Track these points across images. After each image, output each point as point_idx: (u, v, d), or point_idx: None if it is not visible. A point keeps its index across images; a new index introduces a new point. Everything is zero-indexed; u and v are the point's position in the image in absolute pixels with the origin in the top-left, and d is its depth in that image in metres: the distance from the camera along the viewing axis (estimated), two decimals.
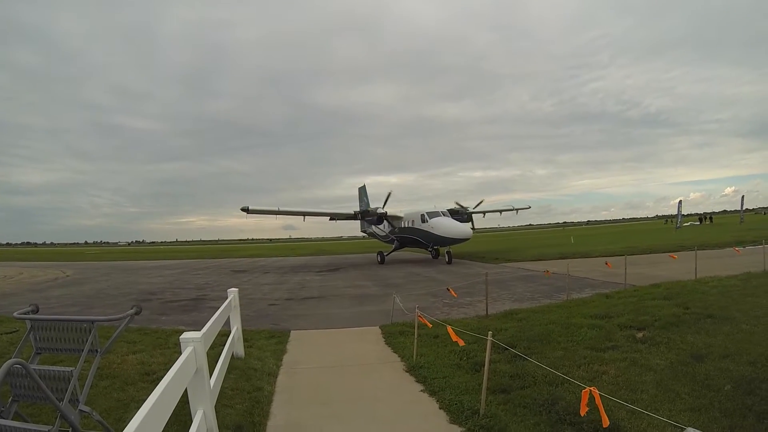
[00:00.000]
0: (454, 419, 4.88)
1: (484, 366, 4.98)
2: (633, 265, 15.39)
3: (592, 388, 3.48)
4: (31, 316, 4.18)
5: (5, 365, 2.89)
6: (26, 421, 3.78)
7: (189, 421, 3.71)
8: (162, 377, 6.76)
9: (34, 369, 3.44)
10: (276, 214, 29.01)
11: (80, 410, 3.66)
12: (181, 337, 3.78)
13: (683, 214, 60.83)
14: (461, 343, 6.26)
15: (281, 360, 7.57)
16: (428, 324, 7.23)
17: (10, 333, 9.69)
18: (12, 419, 3.65)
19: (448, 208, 31.44)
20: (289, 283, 20.76)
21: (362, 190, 40.75)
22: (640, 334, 7.47)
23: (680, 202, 57.05)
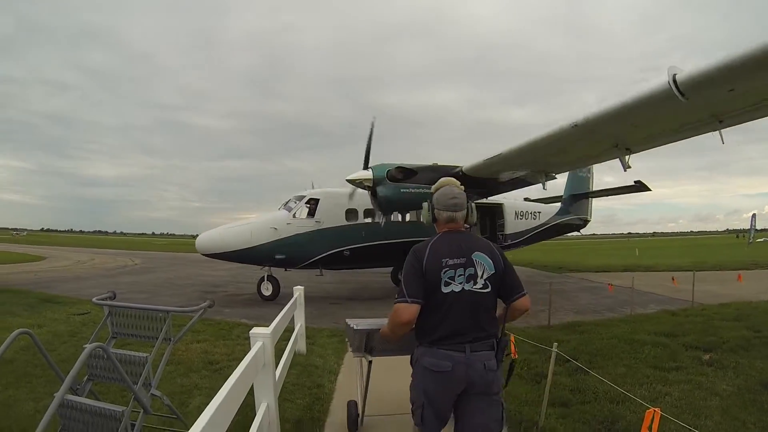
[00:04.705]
0: (513, 430, 4.87)
1: (545, 377, 5.02)
2: (701, 281, 14.68)
3: (656, 409, 3.47)
4: (110, 302, 4.46)
5: (88, 348, 3.19)
6: (98, 400, 4.03)
7: (248, 411, 3.82)
8: (224, 367, 7.25)
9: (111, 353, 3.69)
10: None
11: (152, 394, 3.91)
12: (251, 332, 3.95)
13: (757, 229, 57.05)
14: (515, 355, 6.32)
15: (342, 358, 7.70)
16: None
17: (82, 315, 10.59)
18: (86, 397, 3.94)
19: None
20: (351, 283, 20.82)
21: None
22: (706, 356, 7.23)
23: (754, 215, 53.62)
